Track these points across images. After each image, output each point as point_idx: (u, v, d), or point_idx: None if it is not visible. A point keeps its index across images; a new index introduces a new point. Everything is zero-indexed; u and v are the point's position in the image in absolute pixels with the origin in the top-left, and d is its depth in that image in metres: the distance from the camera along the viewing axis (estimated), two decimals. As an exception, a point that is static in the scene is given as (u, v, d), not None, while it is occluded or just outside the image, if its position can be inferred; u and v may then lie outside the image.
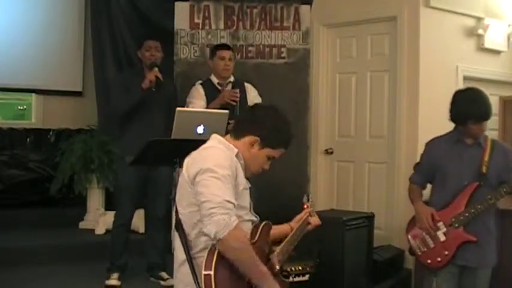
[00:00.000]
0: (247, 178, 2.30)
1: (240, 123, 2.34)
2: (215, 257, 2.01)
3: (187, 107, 4.24)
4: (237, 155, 2.22)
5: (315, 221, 2.58)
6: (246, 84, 4.42)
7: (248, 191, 2.28)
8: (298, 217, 2.57)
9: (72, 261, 4.62)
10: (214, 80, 4.36)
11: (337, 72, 5.41)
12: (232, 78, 4.38)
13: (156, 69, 4.13)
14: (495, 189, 3.11)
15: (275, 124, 2.29)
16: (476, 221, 3.14)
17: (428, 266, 3.24)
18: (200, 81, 4.43)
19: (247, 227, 2.25)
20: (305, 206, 2.63)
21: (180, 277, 2.22)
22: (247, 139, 2.26)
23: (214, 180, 2.07)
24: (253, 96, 4.34)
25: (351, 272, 4.09)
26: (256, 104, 2.51)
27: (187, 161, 2.20)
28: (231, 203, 2.05)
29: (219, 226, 1.98)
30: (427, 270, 3.29)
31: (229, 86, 4.35)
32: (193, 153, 2.22)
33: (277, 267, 2.28)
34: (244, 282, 2.09)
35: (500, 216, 3.26)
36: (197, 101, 4.24)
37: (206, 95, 4.26)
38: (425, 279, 3.32)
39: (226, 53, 4.33)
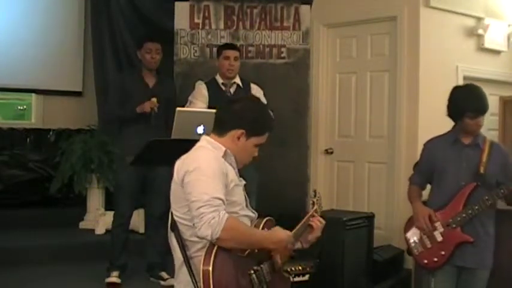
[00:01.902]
0: (242, 176, 2.31)
1: (219, 120, 2.32)
2: (213, 253, 2.02)
3: (188, 105, 4.24)
4: (225, 153, 2.23)
5: (316, 222, 2.45)
6: (252, 85, 4.41)
7: (241, 188, 2.29)
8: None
9: (72, 261, 4.62)
10: (219, 79, 4.35)
11: (337, 72, 5.41)
12: (238, 79, 4.37)
13: (155, 100, 4.09)
14: (493, 190, 3.10)
15: (255, 113, 2.31)
16: (474, 222, 3.13)
17: (425, 266, 3.24)
18: (201, 81, 4.42)
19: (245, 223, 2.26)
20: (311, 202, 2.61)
21: (181, 277, 2.22)
22: (232, 134, 2.26)
23: (202, 178, 2.08)
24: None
25: (351, 272, 4.09)
26: (230, 100, 2.50)
27: (177, 164, 2.22)
28: (219, 199, 2.06)
29: (211, 226, 2.00)
30: (424, 270, 3.29)
31: (234, 87, 4.33)
32: (183, 156, 2.24)
33: (279, 262, 2.29)
34: (242, 277, 2.09)
35: (498, 216, 3.26)
36: (198, 102, 4.22)
37: (209, 94, 4.25)
38: (423, 279, 3.32)
39: (231, 53, 4.32)
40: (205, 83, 4.35)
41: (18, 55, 5.87)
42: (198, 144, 2.28)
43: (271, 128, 2.35)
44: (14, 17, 5.90)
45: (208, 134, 2.33)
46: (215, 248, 2.03)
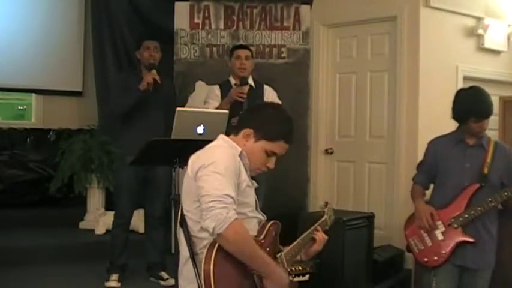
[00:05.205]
0: (253, 178, 2.30)
1: (239, 121, 2.33)
2: (214, 252, 2.01)
3: (204, 105, 4.28)
4: (241, 154, 2.22)
5: (319, 236, 2.45)
6: (265, 87, 4.41)
7: (253, 189, 2.27)
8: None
9: (72, 261, 4.62)
10: (232, 81, 4.35)
11: (337, 72, 5.41)
12: (251, 80, 4.36)
13: (154, 71, 4.13)
14: (496, 192, 3.10)
15: (269, 115, 2.27)
16: (476, 223, 3.14)
17: (425, 264, 3.25)
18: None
19: (252, 225, 2.24)
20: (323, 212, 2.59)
21: (185, 274, 2.21)
22: (243, 132, 2.25)
23: (215, 175, 2.07)
24: (271, 99, 4.26)
25: (350, 272, 4.09)
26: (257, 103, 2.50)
27: (192, 158, 2.21)
28: (231, 197, 2.04)
29: (217, 221, 1.99)
30: (424, 268, 3.29)
31: (246, 88, 4.33)
32: (199, 152, 2.22)
33: (286, 266, 2.28)
34: (244, 276, 2.09)
35: (499, 216, 3.26)
36: (213, 102, 4.25)
37: (222, 96, 4.26)
38: (424, 278, 3.33)
39: (242, 52, 4.34)
40: (219, 85, 4.37)
41: (18, 55, 5.87)
42: (214, 142, 2.27)
43: (286, 137, 2.25)
44: (14, 17, 5.90)
45: (216, 135, 2.32)
46: (216, 246, 2.02)
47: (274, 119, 2.26)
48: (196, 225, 2.14)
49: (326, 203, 2.68)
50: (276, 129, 2.24)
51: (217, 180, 2.06)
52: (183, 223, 2.19)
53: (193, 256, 2.15)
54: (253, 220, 2.26)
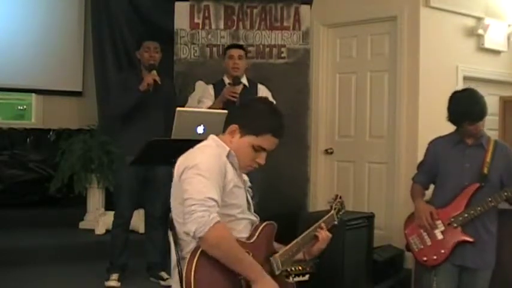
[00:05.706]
0: (248, 176, 2.28)
1: (227, 118, 2.29)
2: (196, 258, 1.97)
3: (198, 104, 4.29)
4: (229, 153, 2.18)
5: (322, 234, 2.40)
6: (259, 86, 4.42)
7: (243, 190, 2.24)
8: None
9: (72, 261, 4.62)
10: (226, 80, 4.35)
11: (337, 72, 5.41)
12: (244, 80, 4.37)
13: (155, 72, 4.13)
14: (496, 192, 3.11)
15: (257, 109, 2.23)
16: (476, 222, 3.14)
17: (424, 263, 3.26)
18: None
19: (242, 226, 2.20)
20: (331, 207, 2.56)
21: (176, 276, 2.18)
22: (229, 129, 2.22)
23: (198, 177, 2.04)
24: None
25: (350, 272, 4.09)
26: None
27: (180, 159, 2.17)
28: (214, 200, 2.01)
29: (198, 223, 1.95)
30: (423, 267, 3.30)
31: (240, 87, 4.33)
32: (187, 152, 2.19)
33: (277, 271, 2.22)
34: (228, 283, 2.03)
35: (499, 216, 3.26)
36: (207, 101, 4.27)
37: (216, 95, 4.26)
38: (424, 277, 3.33)
39: (235, 52, 4.35)
40: (213, 84, 4.37)
41: (18, 55, 5.87)
42: (203, 142, 2.23)
43: (274, 131, 2.18)
44: (14, 17, 5.90)
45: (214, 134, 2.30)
46: (199, 251, 1.98)
47: (261, 113, 2.22)
48: (182, 227, 2.11)
49: (336, 196, 2.63)
50: (262, 123, 2.19)
51: (201, 183, 2.02)
52: (172, 226, 2.17)
53: (179, 259, 2.12)
54: (244, 221, 2.21)
